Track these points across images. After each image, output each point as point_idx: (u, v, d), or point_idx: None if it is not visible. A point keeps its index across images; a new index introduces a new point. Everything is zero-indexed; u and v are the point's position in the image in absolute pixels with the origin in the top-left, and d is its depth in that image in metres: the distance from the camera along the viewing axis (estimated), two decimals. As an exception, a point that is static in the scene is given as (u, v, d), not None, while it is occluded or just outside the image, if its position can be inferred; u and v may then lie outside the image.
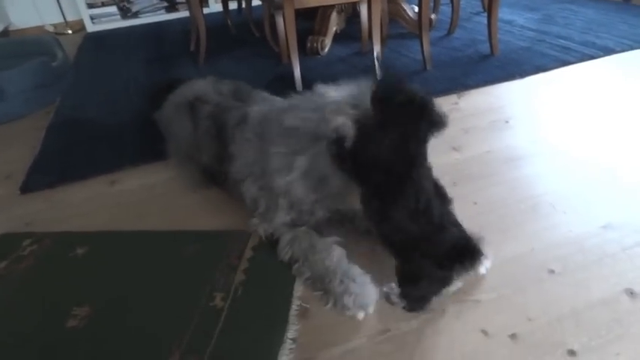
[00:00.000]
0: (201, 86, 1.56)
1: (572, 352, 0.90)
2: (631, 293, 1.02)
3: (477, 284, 1.08)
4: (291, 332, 0.99)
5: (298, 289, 1.10)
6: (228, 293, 1.09)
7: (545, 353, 0.91)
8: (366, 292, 1.03)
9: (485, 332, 0.96)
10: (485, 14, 3.00)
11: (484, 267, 1.09)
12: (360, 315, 1.01)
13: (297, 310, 1.05)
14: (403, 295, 1.01)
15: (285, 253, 1.15)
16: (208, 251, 1.23)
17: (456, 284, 1.03)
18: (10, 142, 1.99)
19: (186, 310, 1.06)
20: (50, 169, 1.71)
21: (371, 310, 1.01)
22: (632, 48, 2.27)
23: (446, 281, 1.00)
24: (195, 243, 1.27)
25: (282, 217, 1.18)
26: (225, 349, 0.96)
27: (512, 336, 0.95)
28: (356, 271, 1.07)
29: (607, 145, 1.58)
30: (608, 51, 2.25)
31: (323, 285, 1.07)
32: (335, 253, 1.11)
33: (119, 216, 1.45)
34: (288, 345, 0.97)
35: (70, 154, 1.80)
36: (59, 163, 1.75)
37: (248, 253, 1.21)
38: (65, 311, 1.09)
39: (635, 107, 1.79)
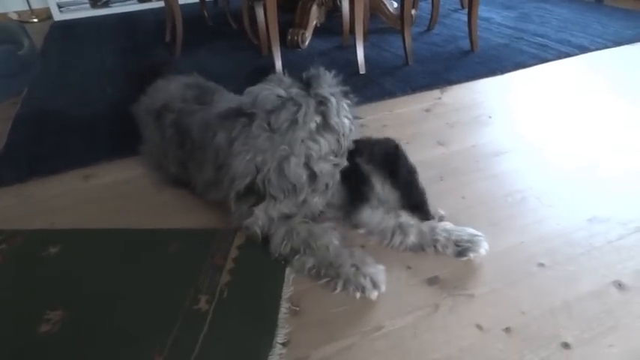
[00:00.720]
0: (172, 91, 1.49)
1: (566, 345, 0.91)
2: (619, 285, 1.03)
3: (469, 278, 1.07)
4: (280, 336, 0.94)
5: (287, 290, 1.05)
6: (214, 295, 1.03)
7: (540, 347, 0.91)
8: (378, 272, 1.03)
9: (480, 327, 0.95)
10: (464, 11, 3.05)
11: (483, 249, 1.10)
12: (375, 294, 1.01)
13: (286, 312, 1.00)
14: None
15: (283, 246, 1.11)
16: (191, 250, 1.17)
17: None
18: (-27, 134, 1.86)
19: (168, 314, 0.99)
20: (18, 163, 1.61)
21: (383, 288, 1.02)
22: (605, 46, 2.33)
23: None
24: (177, 242, 1.20)
25: (278, 209, 1.14)
26: (211, 355, 0.91)
27: (507, 330, 0.94)
28: (359, 252, 1.08)
29: (588, 139, 1.61)
30: (583, 49, 2.30)
31: (331, 270, 1.05)
32: (335, 237, 1.10)
33: (94, 212, 1.37)
34: (277, 350, 0.92)
35: (40, 147, 1.70)
36: (28, 156, 1.65)
37: (233, 252, 1.16)
38: (37, 315, 1.01)
39: (611, 103, 1.83)
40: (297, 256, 1.09)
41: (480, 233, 1.13)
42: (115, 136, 1.74)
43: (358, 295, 1.01)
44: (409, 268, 1.10)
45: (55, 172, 1.56)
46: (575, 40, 2.41)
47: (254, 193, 1.11)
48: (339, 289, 1.03)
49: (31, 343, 0.96)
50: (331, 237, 1.11)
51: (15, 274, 1.14)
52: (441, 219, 1.20)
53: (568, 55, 2.26)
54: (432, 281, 1.06)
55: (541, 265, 1.10)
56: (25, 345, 0.96)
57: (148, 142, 1.52)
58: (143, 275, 1.12)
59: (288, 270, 1.10)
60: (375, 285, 1.01)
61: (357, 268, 1.03)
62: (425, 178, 1.43)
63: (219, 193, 1.22)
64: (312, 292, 1.05)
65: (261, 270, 1.11)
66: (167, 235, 1.24)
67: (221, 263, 1.12)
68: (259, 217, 1.14)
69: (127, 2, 3.74)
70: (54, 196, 1.46)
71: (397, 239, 1.15)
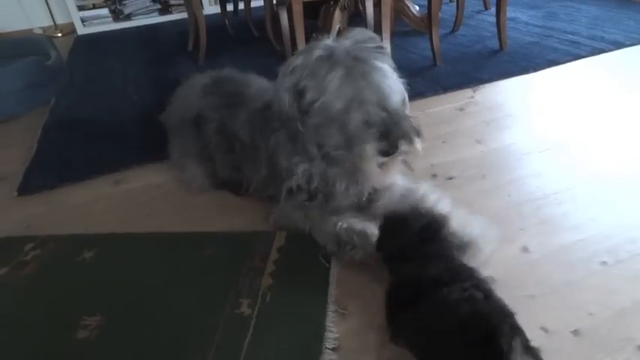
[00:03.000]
0: (197, 99, 1.44)
1: (643, 348, 0.83)
2: (693, 283, 0.95)
3: (526, 278, 1.00)
4: (329, 341, 0.89)
5: (333, 292, 1.00)
6: (256, 299, 0.98)
7: (615, 350, 0.83)
8: None
9: (545, 329, 0.88)
10: (488, 12, 3.00)
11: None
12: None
13: (333, 316, 0.95)
14: None
15: (331, 239, 1.07)
16: (230, 254, 1.13)
17: None
18: (4, 142, 1.86)
19: (209, 319, 0.95)
20: (49, 170, 1.60)
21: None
22: (641, 42, 2.25)
23: None
24: (214, 245, 1.16)
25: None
26: (257, 362, 0.85)
27: (575, 332, 0.87)
28: None
29: (635, 134, 1.53)
30: (618, 45, 2.22)
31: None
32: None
33: (127, 217, 1.34)
34: (327, 356, 0.86)
35: (70, 154, 1.69)
36: (58, 163, 1.64)
37: (274, 254, 1.11)
38: (74, 321, 0.98)
39: (656, 98, 1.75)
40: (346, 247, 1.04)
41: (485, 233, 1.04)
42: (144, 142, 1.71)
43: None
44: (460, 268, 1.03)
45: (86, 179, 1.54)
46: (608, 37, 2.33)
47: (304, 191, 1.10)
48: None
49: (68, 350, 0.92)
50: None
51: (50, 280, 1.11)
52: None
53: (602, 51, 2.19)
54: (487, 282, 0.99)
55: (604, 263, 1.03)
56: (61, 351, 0.92)
57: (184, 149, 1.46)
58: (181, 279, 1.07)
59: (332, 272, 1.04)
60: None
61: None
62: (466, 176, 1.39)
63: (271, 190, 1.21)
64: (359, 294, 1.00)
65: (304, 272, 1.05)
66: (203, 237, 1.20)
67: (261, 266, 1.07)
68: (307, 216, 1.11)
69: (149, 15, 3.78)
70: (85, 202, 1.44)
71: None
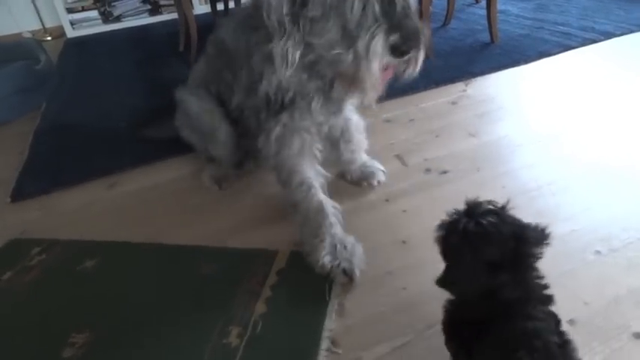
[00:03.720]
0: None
1: (639, 335, 0.84)
2: (687, 270, 0.96)
3: (522, 270, 1.00)
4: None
5: (329, 327, 0.93)
6: (246, 329, 0.93)
7: (611, 338, 0.84)
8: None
9: (541, 319, 0.89)
10: (478, 6, 3.00)
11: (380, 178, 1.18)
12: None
13: (326, 355, 0.88)
14: None
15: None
16: (228, 273, 1.08)
17: None
18: (-5, 149, 1.85)
19: (195, 347, 0.91)
20: (42, 175, 1.59)
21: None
22: (631, 31, 2.26)
23: None
24: (213, 261, 1.12)
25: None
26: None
27: (571, 322, 0.88)
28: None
29: (627, 123, 1.54)
30: (608, 35, 2.23)
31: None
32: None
33: (122, 220, 1.34)
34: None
35: (62, 158, 1.68)
36: (51, 167, 1.63)
37: (272, 278, 1.05)
38: (62, 338, 0.96)
39: (646, 87, 1.76)
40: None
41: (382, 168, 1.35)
42: (137, 144, 1.71)
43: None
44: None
45: (79, 183, 1.54)
46: (598, 27, 2.34)
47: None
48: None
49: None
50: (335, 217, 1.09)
51: (49, 290, 1.11)
52: None
53: (593, 41, 2.19)
54: (483, 274, 1.00)
55: (598, 252, 1.03)
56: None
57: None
58: (176, 298, 1.04)
59: (330, 305, 0.97)
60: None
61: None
62: (460, 170, 1.39)
63: (254, 101, 1.11)
64: (357, 292, 1.00)
65: (301, 302, 1.00)
66: (203, 253, 1.16)
67: (258, 289, 1.02)
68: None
69: (139, 16, 3.76)
70: (79, 207, 1.43)
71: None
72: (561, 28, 2.40)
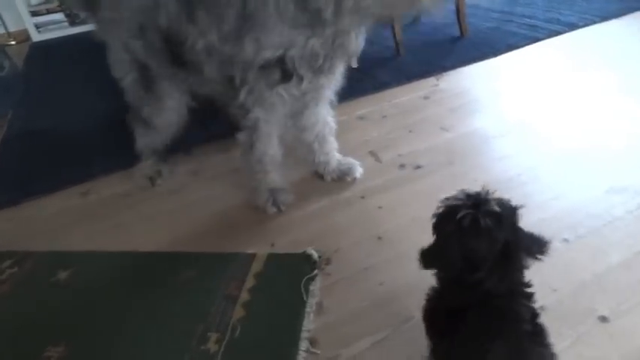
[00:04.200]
0: None
1: (604, 319, 0.88)
2: (648, 253, 1.01)
3: (494, 260, 1.03)
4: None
5: (307, 327, 0.93)
6: (224, 334, 0.93)
7: (578, 322, 0.88)
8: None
9: (513, 308, 0.92)
10: (449, 0, 3.03)
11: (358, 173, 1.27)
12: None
13: (305, 356, 0.88)
14: None
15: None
16: (205, 278, 1.08)
17: None
18: (-40, 160, 1.79)
19: (174, 355, 0.90)
20: (11, 185, 1.55)
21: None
22: (594, 22, 2.33)
23: None
24: (190, 267, 1.11)
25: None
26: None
27: (541, 308, 0.89)
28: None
29: (590, 112, 1.59)
30: (572, 26, 2.30)
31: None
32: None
33: (97, 229, 1.32)
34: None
35: (32, 168, 1.64)
36: (20, 177, 1.59)
37: (250, 281, 1.05)
38: (38, 352, 0.94)
39: (605, 75, 1.82)
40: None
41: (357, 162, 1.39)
42: (109, 149, 1.68)
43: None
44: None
45: (51, 192, 1.51)
46: (563, 19, 2.40)
47: (280, 70, 0.97)
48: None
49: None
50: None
51: (21, 304, 1.08)
52: None
53: (558, 33, 2.25)
54: (457, 266, 1.03)
55: (565, 240, 1.07)
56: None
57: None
58: (152, 307, 1.03)
59: (309, 304, 0.98)
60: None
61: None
62: (434, 164, 1.42)
63: (235, 52, 1.02)
64: (335, 289, 1.02)
65: (279, 304, 1.00)
66: (180, 259, 1.15)
67: (235, 294, 1.02)
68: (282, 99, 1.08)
69: (107, 17, 3.68)
70: (52, 216, 1.40)
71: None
72: (528, 20, 2.45)
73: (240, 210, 1.31)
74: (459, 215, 0.67)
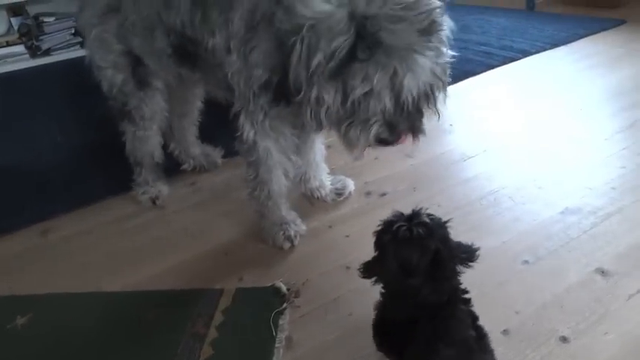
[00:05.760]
0: None
1: (564, 339, 0.91)
2: (602, 272, 1.05)
3: (459, 285, 1.06)
4: None
5: None
6: None
7: (540, 344, 0.90)
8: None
9: (478, 332, 0.93)
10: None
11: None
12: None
13: None
14: None
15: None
16: (171, 317, 1.05)
17: None
18: None
19: None
20: (-35, 226, 1.49)
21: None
22: (544, 49, 2.47)
23: None
24: (155, 306, 1.09)
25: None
26: None
27: (505, 332, 0.93)
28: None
29: (545, 136, 1.67)
30: (525, 53, 2.43)
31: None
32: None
33: (58, 269, 1.28)
34: None
35: (-11, 207, 1.58)
36: (-24, 217, 1.53)
37: (218, 317, 1.03)
38: None
39: (559, 99, 1.92)
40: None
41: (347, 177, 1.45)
42: (70, 186, 1.64)
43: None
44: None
45: (9, 231, 1.45)
46: (516, 46, 2.53)
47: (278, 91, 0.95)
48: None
49: None
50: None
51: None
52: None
53: (512, 59, 2.37)
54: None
55: (525, 262, 1.11)
56: None
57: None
58: (118, 349, 1.00)
59: (278, 339, 0.97)
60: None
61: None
62: (398, 191, 1.45)
63: (233, 65, 1.04)
64: (304, 322, 1.01)
65: (248, 340, 0.98)
66: (146, 298, 1.12)
67: (203, 332, 1.00)
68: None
69: (70, 49, 3.62)
70: (9, 257, 1.35)
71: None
72: (484, 47, 2.57)
73: (208, 244, 1.30)
74: (395, 227, 0.77)
